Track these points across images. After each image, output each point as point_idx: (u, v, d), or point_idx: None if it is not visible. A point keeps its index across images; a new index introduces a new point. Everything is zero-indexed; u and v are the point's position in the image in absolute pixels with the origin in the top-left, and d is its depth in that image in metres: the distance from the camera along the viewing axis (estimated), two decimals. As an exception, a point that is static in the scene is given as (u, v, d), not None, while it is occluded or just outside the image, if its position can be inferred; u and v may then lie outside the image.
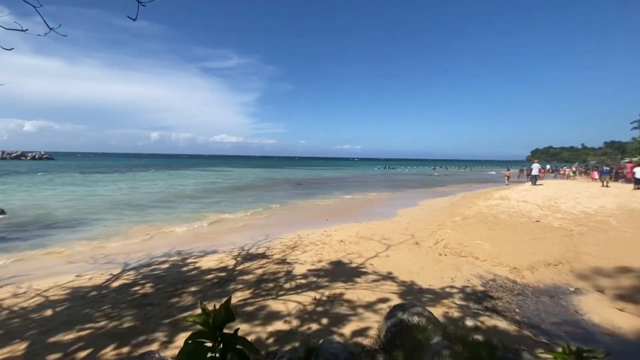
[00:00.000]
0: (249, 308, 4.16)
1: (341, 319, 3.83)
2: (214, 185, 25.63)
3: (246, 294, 4.66)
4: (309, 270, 5.64)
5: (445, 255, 6.60)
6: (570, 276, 5.45)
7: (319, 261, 6.15)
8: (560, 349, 1.85)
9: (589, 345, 3.59)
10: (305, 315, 3.93)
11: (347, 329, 3.56)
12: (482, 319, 3.72)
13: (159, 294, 4.82)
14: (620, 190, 19.13)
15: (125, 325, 3.83)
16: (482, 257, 6.24)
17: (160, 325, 3.77)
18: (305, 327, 3.65)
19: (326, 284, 5.03)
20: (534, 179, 22.48)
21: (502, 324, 3.64)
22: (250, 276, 5.45)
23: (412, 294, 4.60)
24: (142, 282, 5.42)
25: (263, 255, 6.71)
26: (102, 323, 3.90)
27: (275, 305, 4.25)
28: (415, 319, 3.06)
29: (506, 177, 28.92)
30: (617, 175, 24.94)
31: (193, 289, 4.97)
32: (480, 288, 4.94)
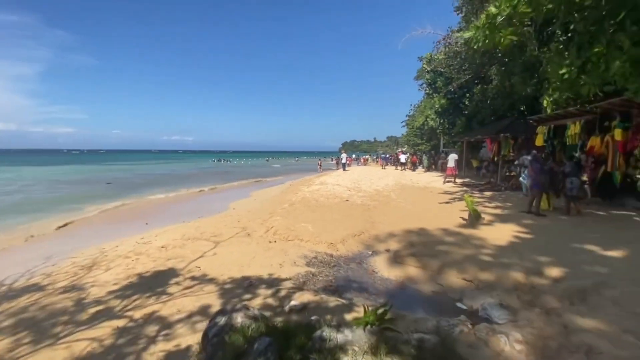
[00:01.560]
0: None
1: (154, 343, 3.14)
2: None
3: (-4, 351, 3.13)
4: (111, 292, 4.45)
5: (275, 241, 6.78)
6: (369, 242, 6.68)
7: (128, 277, 4.98)
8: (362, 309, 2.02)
9: (383, 294, 4.43)
10: (99, 356, 2.99)
11: (161, 356, 2.94)
12: (304, 297, 3.92)
13: None
14: (395, 171, 25.86)
15: None
16: (306, 238, 6.77)
17: None
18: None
19: (137, 303, 4.09)
20: (343, 166, 27.23)
21: (321, 297, 3.95)
22: (8, 322, 3.75)
23: (240, 289, 4.38)
24: None
25: (38, 287, 4.82)
26: None
27: (49, 354, 3.04)
28: (239, 320, 2.81)
29: (319, 166, 33.32)
30: (393, 161, 33.66)
31: None
32: (305, 267, 5.30)
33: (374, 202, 10.99)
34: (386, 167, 31.50)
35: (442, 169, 22.81)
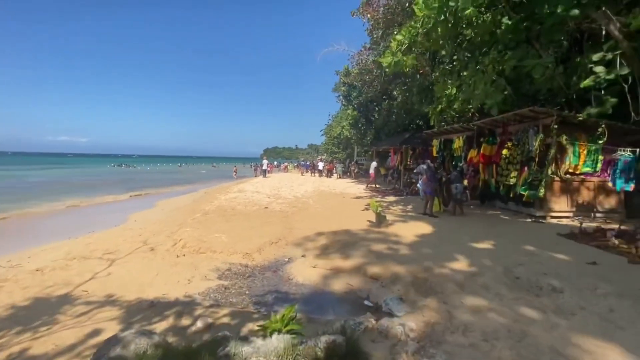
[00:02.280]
0: None
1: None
2: None
3: None
4: (-46, 334, 3.47)
5: (184, 255, 6.27)
6: (286, 249, 6.71)
7: (-19, 312, 3.96)
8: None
9: (297, 300, 4.48)
10: None
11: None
12: (214, 313, 3.71)
13: None
14: (314, 178, 26.72)
15: None
16: (219, 249, 6.43)
17: None
18: None
19: (-6, 344, 3.27)
20: (264, 173, 26.90)
21: (233, 311, 3.79)
22: None
23: (139, 312, 3.90)
24: None
25: None
26: None
27: None
28: (132, 348, 2.49)
29: (234, 173, 32.16)
30: (311, 168, 34.76)
31: None
32: (217, 281, 5.02)
33: (293, 208, 11.12)
34: (305, 174, 32.59)
35: (356, 176, 24.98)
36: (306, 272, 5.41)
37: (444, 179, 9.31)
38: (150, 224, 9.15)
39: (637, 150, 7.14)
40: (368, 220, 8.17)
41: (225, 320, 3.55)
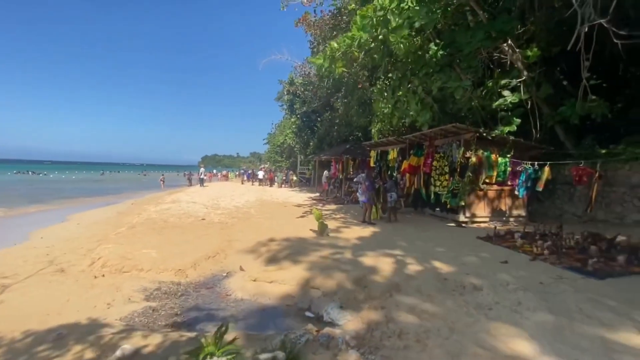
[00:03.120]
0: None
1: None
2: None
3: None
4: None
5: (103, 275, 5.54)
6: (225, 263, 6.36)
7: None
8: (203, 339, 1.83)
9: (235, 318, 4.24)
10: None
11: None
12: (138, 339, 3.31)
13: None
14: (256, 187, 26.17)
15: None
16: (147, 267, 5.82)
17: None
18: None
19: None
20: (201, 182, 25.44)
21: (161, 336, 3.42)
22: None
23: (44, 346, 3.29)
24: None
25: None
26: None
27: None
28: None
29: (161, 182, 28.68)
30: (251, 177, 33.87)
31: None
32: (143, 303, 4.52)
33: (233, 219, 10.66)
34: (246, 182, 32.06)
35: (292, 185, 25.75)
36: (246, 286, 5.18)
37: (380, 188, 9.83)
38: (60, 241, 7.91)
39: (536, 163, 8.40)
40: (311, 229, 8.20)
41: (151, 348, 3.18)
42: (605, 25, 4.79)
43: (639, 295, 4.03)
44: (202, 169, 26.79)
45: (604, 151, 8.53)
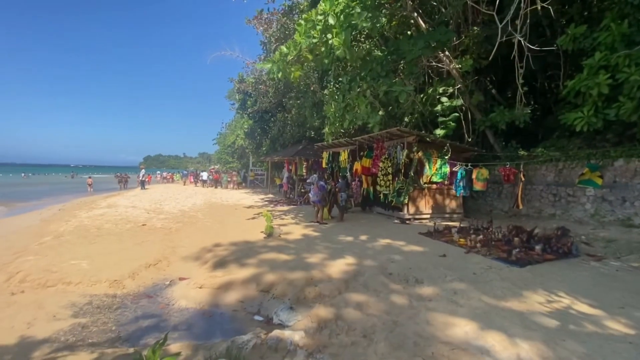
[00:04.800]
0: None
1: None
2: None
3: None
4: None
5: (23, 292, 4.88)
6: (168, 270, 5.99)
7: None
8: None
9: (179, 328, 4.03)
10: None
11: None
12: (64, 362, 2.98)
13: None
14: (205, 190, 25.09)
15: None
16: (76, 279, 5.25)
17: None
18: None
19: None
20: (142, 184, 23.67)
21: (89, 353, 3.12)
22: None
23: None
24: None
25: None
26: None
27: None
28: None
29: (88, 185, 25.75)
30: (196, 178, 32.49)
31: None
32: (71, 320, 4.07)
33: (177, 224, 10.08)
34: (188, 184, 31.64)
35: (238, 186, 26.36)
36: (191, 293, 4.94)
37: (331, 188, 10.04)
38: (-35, 256, 6.78)
39: (469, 164, 9.26)
40: (262, 232, 8.08)
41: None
42: (520, 39, 5.48)
43: (548, 278, 4.69)
44: (142, 171, 24.89)
45: (525, 153, 9.69)
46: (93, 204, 15.13)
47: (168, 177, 40.47)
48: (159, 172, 52.28)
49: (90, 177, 27.67)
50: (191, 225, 9.87)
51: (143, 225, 9.68)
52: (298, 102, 18.38)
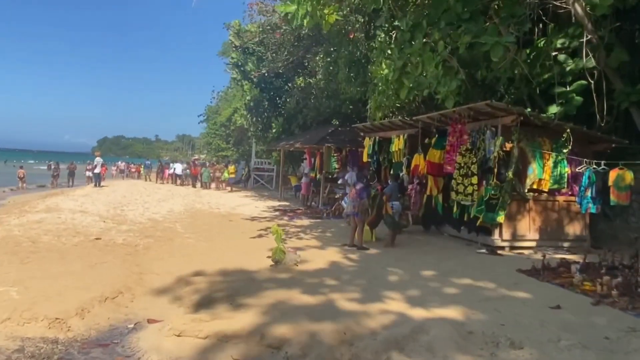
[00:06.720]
0: None
1: None
2: None
3: None
4: None
5: None
6: (131, 308, 6.22)
7: None
8: None
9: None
10: None
11: None
12: None
13: None
14: (187, 190, 25.82)
15: None
16: (2, 314, 5.56)
17: None
18: None
19: None
20: (97, 179, 24.75)
21: None
22: None
23: None
24: None
25: None
26: None
27: None
28: None
29: (19, 179, 26.62)
30: (162, 172, 33.86)
31: None
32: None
33: (146, 239, 10.48)
34: (150, 180, 33.87)
35: (217, 186, 27.54)
36: (165, 344, 5.07)
37: (376, 195, 9.96)
38: None
39: (602, 163, 8.80)
40: (268, 257, 8.18)
41: None
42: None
43: None
44: (98, 159, 25.96)
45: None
46: (26, 205, 16.03)
47: (132, 169, 41.94)
48: (120, 161, 54.27)
49: (22, 168, 28.21)
50: (166, 241, 10.19)
51: (97, 239, 10.11)
52: (329, 59, 18.44)
